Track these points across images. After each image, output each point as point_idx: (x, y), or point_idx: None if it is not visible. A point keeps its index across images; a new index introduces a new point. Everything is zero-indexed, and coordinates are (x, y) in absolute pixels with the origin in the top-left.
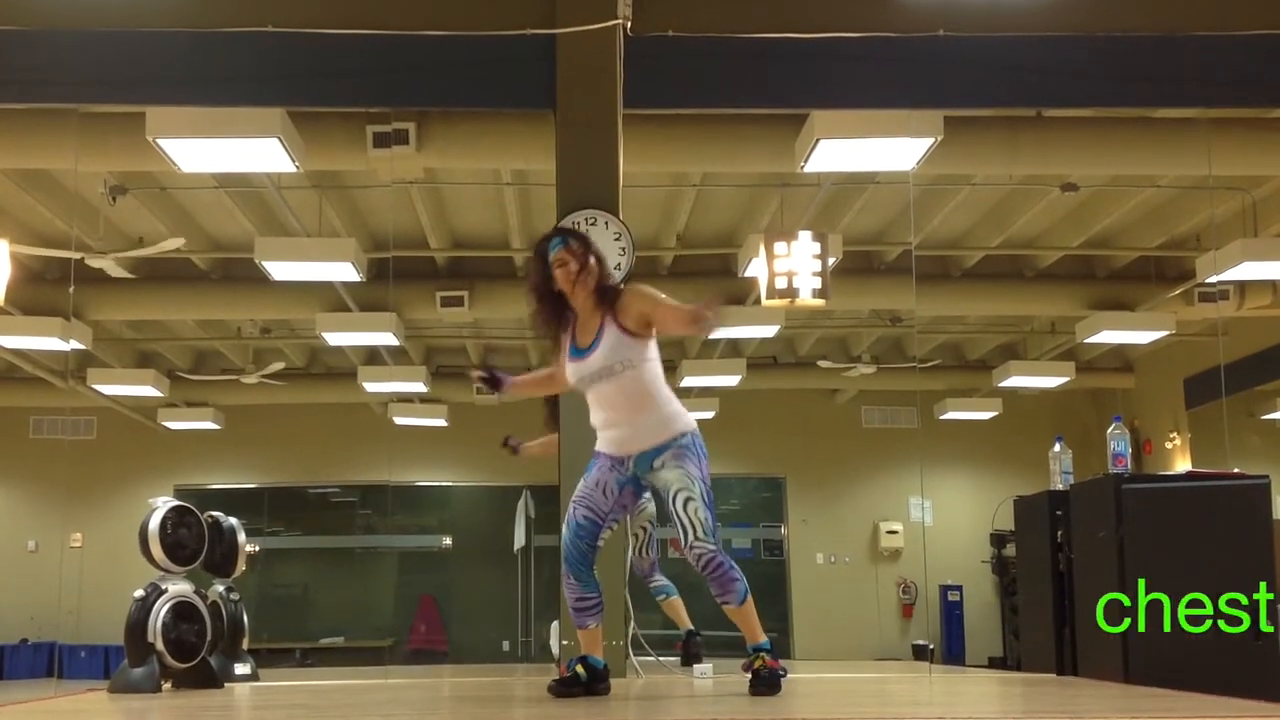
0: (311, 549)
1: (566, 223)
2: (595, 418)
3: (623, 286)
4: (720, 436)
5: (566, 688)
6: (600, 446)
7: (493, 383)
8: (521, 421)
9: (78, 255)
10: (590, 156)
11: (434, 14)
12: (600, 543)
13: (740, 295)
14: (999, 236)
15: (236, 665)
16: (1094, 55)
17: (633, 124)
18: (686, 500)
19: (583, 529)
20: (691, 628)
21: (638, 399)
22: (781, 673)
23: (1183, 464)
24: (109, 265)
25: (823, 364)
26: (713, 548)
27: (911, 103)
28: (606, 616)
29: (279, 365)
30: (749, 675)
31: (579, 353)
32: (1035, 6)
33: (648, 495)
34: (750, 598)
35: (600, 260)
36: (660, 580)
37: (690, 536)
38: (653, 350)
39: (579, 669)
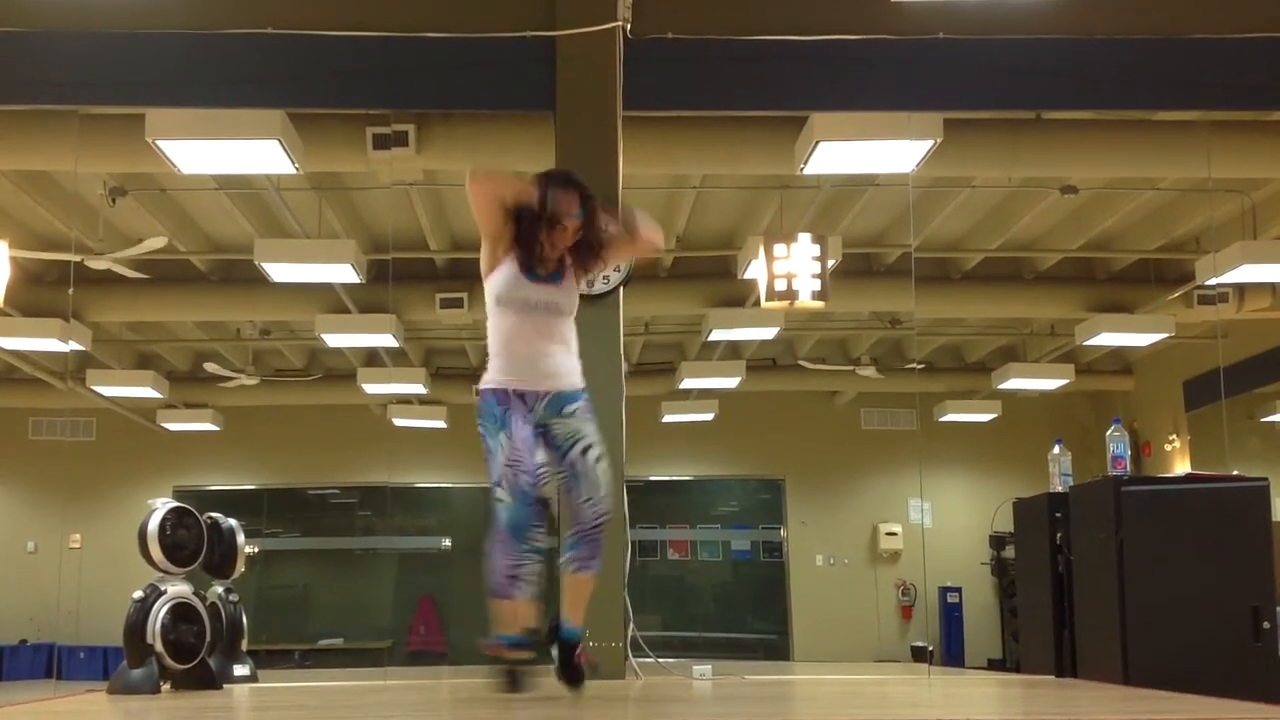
0: (310, 550)
1: None
2: (522, 346)
3: (601, 245)
4: (720, 438)
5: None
6: (513, 381)
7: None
8: None
9: (77, 258)
10: (590, 158)
11: (434, 16)
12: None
13: (740, 297)
14: (998, 239)
15: (235, 666)
16: (1093, 58)
17: (632, 126)
18: (598, 458)
19: (528, 496)
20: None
21: (568, 341)
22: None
23: (1182, 466)
24: (105, 264)
25: (807, 364)
26: (610, 509)
27: (911, 105)
28: (606, 618)
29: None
30: (556, 650)
31: (538, 277)
32: (1034, 9)
33: None
34: None
35: (600, 229)
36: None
37: (599, 493)
38: None
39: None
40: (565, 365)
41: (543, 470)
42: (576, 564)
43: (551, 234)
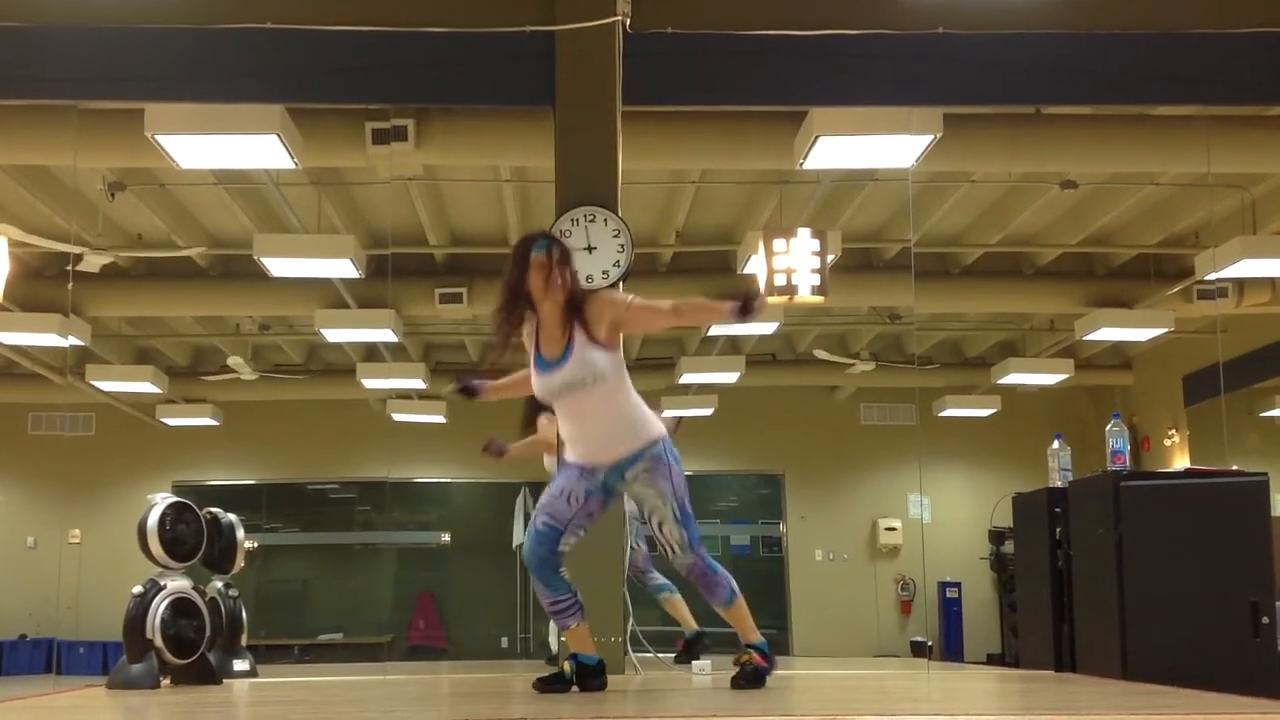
0: (310, 545)
1: (565, 220)
2: (565, 430)
3: (590, 293)
4: (719, 433)
5: (549, 685)
6: (571, 457)
7: (469, 392)
8: (515, 419)
9: (78, 250)
10: (589, 153)
11: (434, 11)
12: (563, 548)
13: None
14: (998, 234)
15: (235, 661)
16: (1093, 52)
17: (632, 121)
18: (660, 523)
19: (542, 535)
20: (698, 628)
21: (608, 410)
22: (765, 670)
23: (1181, 461)
24: (90, 264)
25: (819, 354)
26: (690, 561)
27: (911, 100)
28: (605, 614)
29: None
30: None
31: (547, 365)
32: (1034, 4)
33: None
34: (739, 598)
35: (574, 274)
36: (657, 579)
37: (670, 555)
38: (620, 359)
39: (564, 666)
40: (611, 436)
41: (574, 522)
42: (711, 604)
43: (532, 280)
